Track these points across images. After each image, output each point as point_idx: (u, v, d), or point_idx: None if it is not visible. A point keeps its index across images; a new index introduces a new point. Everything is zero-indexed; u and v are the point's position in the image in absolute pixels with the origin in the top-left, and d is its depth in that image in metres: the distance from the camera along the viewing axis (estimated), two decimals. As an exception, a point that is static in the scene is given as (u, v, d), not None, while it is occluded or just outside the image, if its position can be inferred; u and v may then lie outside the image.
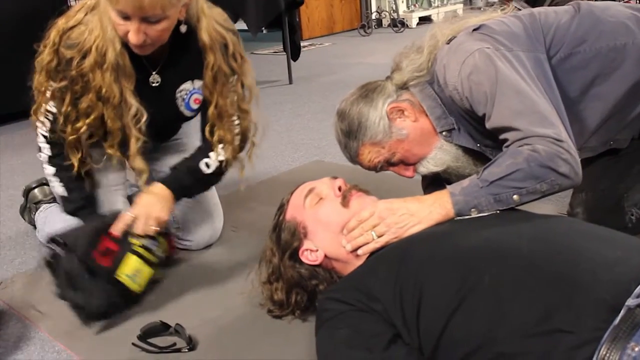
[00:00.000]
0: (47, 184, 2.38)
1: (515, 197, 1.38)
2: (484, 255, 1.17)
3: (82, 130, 1.77)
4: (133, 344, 1.55)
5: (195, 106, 1.93)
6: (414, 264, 1.23)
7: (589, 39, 1.59)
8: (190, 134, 2.19)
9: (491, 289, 1.11)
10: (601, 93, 1.61)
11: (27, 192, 2.37)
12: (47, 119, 1.81)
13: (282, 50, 5.07)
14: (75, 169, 1.85)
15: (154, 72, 1.81)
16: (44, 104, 1.79)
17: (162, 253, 1.80)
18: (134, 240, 1.73)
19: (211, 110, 1.84)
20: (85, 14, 1.68)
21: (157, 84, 1.84)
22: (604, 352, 0.98)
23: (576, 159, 1.41)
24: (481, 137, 1.62)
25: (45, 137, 1.84)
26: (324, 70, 5.55)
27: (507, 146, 1.45)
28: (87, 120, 1.76)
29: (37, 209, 2.30)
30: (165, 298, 1.81)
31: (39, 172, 2.74)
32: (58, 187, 1.89)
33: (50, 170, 1.88)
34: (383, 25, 8.52)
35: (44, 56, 1.72)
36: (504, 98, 1.45)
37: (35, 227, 2.31)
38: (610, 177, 1.80)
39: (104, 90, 1.70)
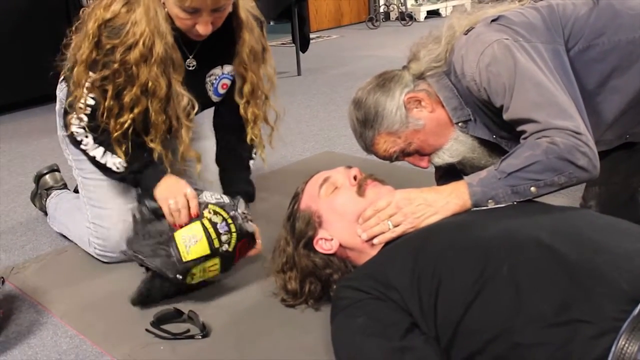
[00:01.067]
0: (58, 170, 2.39)
1: (532, 189, 1.38)
2: (503, 245, 1.17)
3: (127, 124, 1.74)
4: (146, 330, 1.55)
5: (222, 91, 1.93)
6: (432, 253, 1.23)
7: (608, 32, 1.58)
8: (203, 123, 2.19)
9: (510, 279, 1.11)
10: (619, 86, 1.60)
11: (38, 178, 2.37)
12: (85, 114, 1.76)
13: (291, 42, 5.06)
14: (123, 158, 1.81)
15: (190, 56, 1.81)
16: (81, 98, 1.74)
17: (229, 247, 1.69)
18: (205, 213, 1.70)
19: (247, 87, 1.84)
20: (122, 6, 1.65)
21: (193, 68, 1.83)
22: (623, 343, 0.99)
23: (594, 152, 1.41)
24: (497, 129, 1.61)
25: (83, 128, 1.78)
26: (332, 62, 5.54)
27: (525, 138, 1.45)
28: (131, 115, 1.72)
29: (48, 195, 2.30)
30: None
31: (49, 159, 2.75)
32: (114, 159, 1.79)
33: (99, 151, 1.80)
34: (391, 19, 8.49)
35: (84, 49, 1.68)
36: (523, 90, 1.45)
37: (46, 214, 2.31)
38: (624, 171, 1.80)
39: (150, 84, 1.67)
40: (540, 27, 1.57)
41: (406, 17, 7.89)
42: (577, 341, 1.02)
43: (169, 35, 1.65)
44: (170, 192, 1.74)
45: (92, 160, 1.83)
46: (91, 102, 1.74)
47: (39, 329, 1.67)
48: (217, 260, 1.68)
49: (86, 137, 1.80)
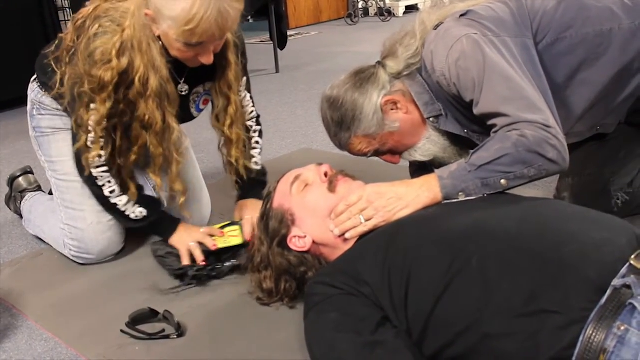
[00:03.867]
0: (31, 172, 2.37)
1: (502, 181, 1.39)
2: (472, 237, 1.18)
3: (133, 159, 1.75)
4: (122, 330, 1.55)
5: (203, 107, 1.93)
6: (402, 247, 1.23)
7: (575, 25, 1.59)
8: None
9: (479, 271, 1.12)
10: (588, 78, 1.61)
11: (12, 181, 2.35)
12: (101, 147, 1.74)
13: (269, 39, 5.05)
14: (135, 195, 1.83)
15: (181, 81, 1.79)
16: (89, 133, 1.71)
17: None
18: None
19: (232, 108, 1.83)
20: (129, 57, 1.61)
21: (185, 93, 1.82)
22: (591, 332, 1.00)
23: (564, 144, 1.42)
24: (468, 123, 1.62)
25: (103, 172, 1.78)
26: (310, 59, 5.54)
27: (496, 132, 1.46)
28: (136, 149, 1.73)
29: (22, 198, 2.28)
30: (154, 285, 1.80)
31: (25, 161, 2.72)
32: (134, 209, 1.83)
33: (123, 199, 1.82)
34: (370, 14, 8.50)
35: (98, 105, 1.65)
36: (492, 84, 1.46)
37: (21, 217, 2.29)
38: (596, 162, 1.82)
39: (147, 118, 1.66)
40: (509, 21, 1.58)
41: (385, 13, 7.91)
42: (545, 331, 1.04)
43: (163, 69, 1.63)
44: (188, 237, 1.84)
45: (112, 207, 1.83)
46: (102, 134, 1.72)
47: (13, 332, 1.65)
48: (237, 227, 1.86)
49: (109, 182, 1.79)
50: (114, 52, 1.60)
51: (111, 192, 1.80)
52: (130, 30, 1.60)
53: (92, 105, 1.67)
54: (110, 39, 1.62)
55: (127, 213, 1.83)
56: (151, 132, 1.70)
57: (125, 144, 1.74)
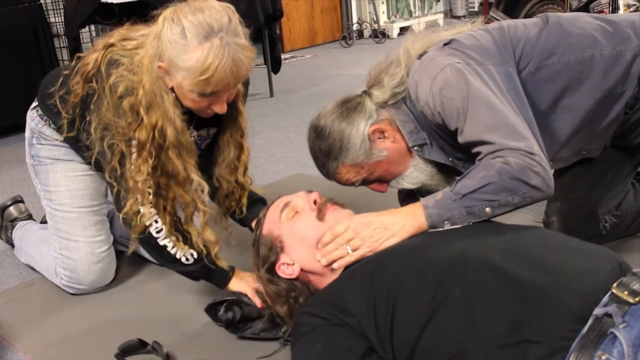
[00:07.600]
0: (21, 201, 2.38)
1: (487, 209, 1.40)
2: (456, 267, 1.19)
3: (168, 211, 1.71)
4: (110, 362, 1.55)
5: (203, 148, 1.91)
6: (387, 278, 1.24)
7: (558, 52, 1.61)
8: None
9: (462, 301, 1.13)
10: (571, 105, 1.63)
11: (2, 210, 2.35)
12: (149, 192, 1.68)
13: (263, 63, 5.08)
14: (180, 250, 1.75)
15: (191, 127, 1.76)
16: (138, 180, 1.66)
17: None
18: None
19: (245, 156, 1.85)
20: (151, 115, 1.59)
21: (194, 139, 1.81)
22: (572, 362, 1.00)
23: (548, 171, 1.43)
24: (453, 151, 1.63)
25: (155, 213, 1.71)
26: (305, 82, 5.56)
27: (480, 159, 1.46)
28: (168, 205, 1.70)
29: (13, 227, 2.29)
30: (144, 315, 1.81)
31: (19, 189, 2.73)
32: (184, 252, 1.74)
33: (169, 241, 1.74)
34: (364, 36, 8.55)
35: (142, 166, 1.62)
36: (476, 112, 1.47)
37: (12, 246, 2.30)
38: (583, 185, 1.83)
39: (170, 169, 1.64)
40: (492, 49, 1.60)
41: (379, 35, 7.96)
42: (528, 361, 1.04)
43: (177, 120, 1.61)
44: (246, 283, 1.74)
45: (161, 249, 1.74)
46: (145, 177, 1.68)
47: (3, 365, 1.66)
48: None
49: (156, 222, 1.70)
50: (142, 110, 1.59)
51: (158, 231, 1.72)
52: (147, 85, 1.58)
53: (133, 154, 1.65)
54: (132, 84, 1.61)
55: (178, 256, 1.73)
56: (176, 183, 1.67)
57: (162, 202, 1.70)
